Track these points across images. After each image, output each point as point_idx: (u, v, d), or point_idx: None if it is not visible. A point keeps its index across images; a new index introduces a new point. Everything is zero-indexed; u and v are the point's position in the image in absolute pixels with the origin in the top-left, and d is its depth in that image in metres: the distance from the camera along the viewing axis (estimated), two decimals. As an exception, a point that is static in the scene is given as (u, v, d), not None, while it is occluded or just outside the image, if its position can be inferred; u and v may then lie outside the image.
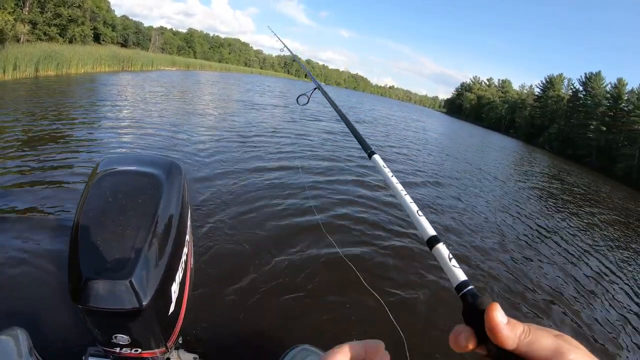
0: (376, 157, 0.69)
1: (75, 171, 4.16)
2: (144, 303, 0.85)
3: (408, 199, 0.50)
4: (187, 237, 1.15)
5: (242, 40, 67.04)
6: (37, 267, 2.41)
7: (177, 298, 1.02)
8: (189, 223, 1.19)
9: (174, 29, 51.34)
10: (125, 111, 8.83)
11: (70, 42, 22.58)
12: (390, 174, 0.59)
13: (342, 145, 8.95)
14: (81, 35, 24.54)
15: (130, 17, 39.23)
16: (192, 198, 3.36)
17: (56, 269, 2.39)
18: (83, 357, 1.13)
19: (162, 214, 1.00)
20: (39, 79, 13.75)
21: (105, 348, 0.96)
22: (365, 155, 0.74)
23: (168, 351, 1.05)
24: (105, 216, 0.96)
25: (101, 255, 0.87)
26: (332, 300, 2.62)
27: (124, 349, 0.95)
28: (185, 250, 1.10)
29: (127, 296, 0.83)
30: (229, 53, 58.63)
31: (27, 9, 20.22)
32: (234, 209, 3.80)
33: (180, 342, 1.23)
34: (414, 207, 0.48)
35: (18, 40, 16.42)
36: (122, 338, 0.91)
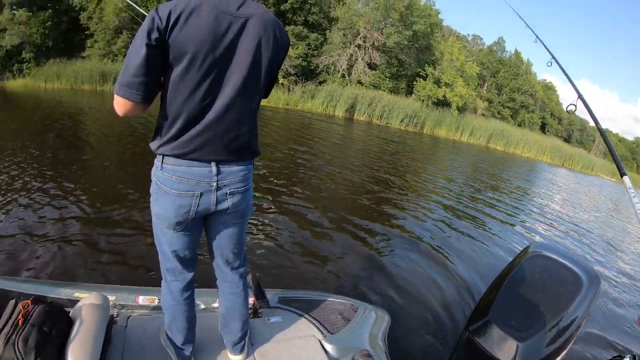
0: (626, 178, 0.97)
1: (507, 245, 4.53)
2: None
3: None
4: (571, 344, 1.15)
5: None
6: (443, 291, 2.91)
7: None
8: (580, 329, 1.17)
9: (619, 134, 43.33)
10: (558, 206, 9.02)
11: (519, 125, 23.98)
12: (633, 195, 0.71)
13: None
14: (530, 121, 25.44)
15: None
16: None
17: (456, 295, 2.87)
18: None
19: (571, 312, 1.10)
20: (489, 150, 15.41)
21: None
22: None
23: None
24: (528, 285, 1.19)
25: (510, 309, 1.08)
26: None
27: None
28: (563, 353, 1.11)
29: (508, 352, 0.95)
30: (688, 176, 42.28)
31: (485, 88, 23.65)
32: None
33: None
34: None
35: (475, 113, 19.20)
36: None
